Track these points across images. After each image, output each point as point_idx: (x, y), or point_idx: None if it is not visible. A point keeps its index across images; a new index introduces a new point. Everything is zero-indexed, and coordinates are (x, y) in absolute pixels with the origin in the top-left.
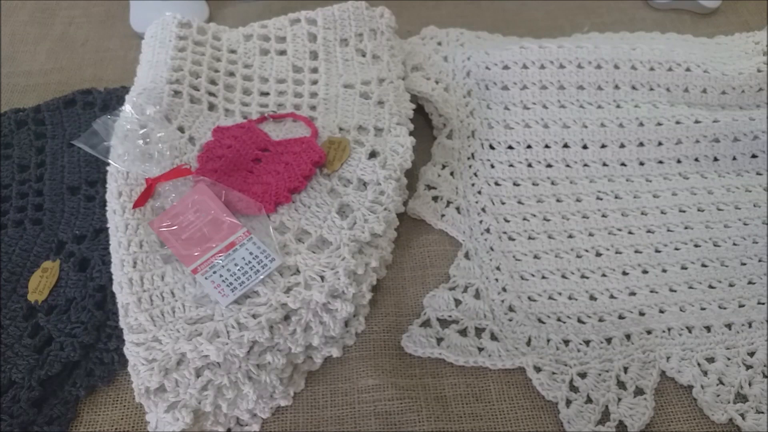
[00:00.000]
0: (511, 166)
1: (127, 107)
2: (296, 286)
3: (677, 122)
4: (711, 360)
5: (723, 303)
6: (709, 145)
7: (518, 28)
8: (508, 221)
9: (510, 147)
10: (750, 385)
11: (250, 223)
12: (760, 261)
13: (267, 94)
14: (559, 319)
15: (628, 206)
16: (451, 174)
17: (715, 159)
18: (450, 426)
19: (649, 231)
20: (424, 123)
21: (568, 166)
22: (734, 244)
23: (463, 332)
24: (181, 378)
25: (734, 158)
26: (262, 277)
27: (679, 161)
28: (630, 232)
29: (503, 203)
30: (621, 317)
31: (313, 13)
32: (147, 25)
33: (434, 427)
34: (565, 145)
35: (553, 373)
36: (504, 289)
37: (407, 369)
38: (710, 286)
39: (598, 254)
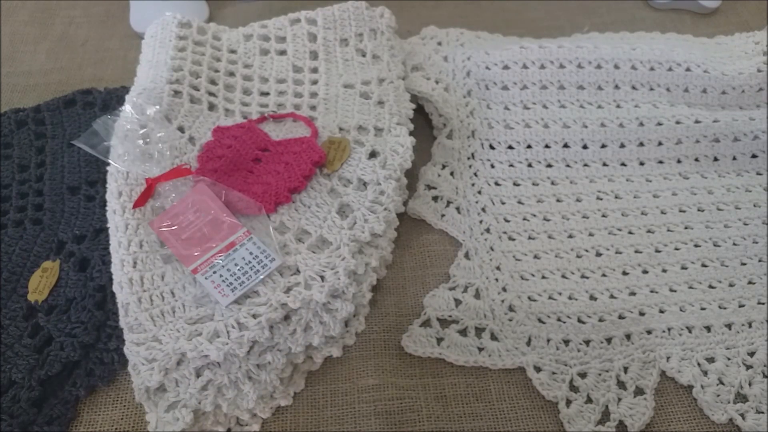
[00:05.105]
0: (511, 166)
1: (127, 107)
2: (296, 286)
3: (677, 122)
4: (711, 360)
5: (723, 303)
6: (709, 145)
7: (518, 28)
8: (508, 221)
9: (510, 147)
10: (750, 385)
11: (250, 223)
12: (760, 261)
13: (267, 94)
14: (559, 319)
15: (628, 206)
16: (451, 174)
17: (715, 159)
18: (450, 426)
19: (649, 231)
20: (424, 123)
21: (568, 166)
22: (734, 244)
23: (463, 332)
24: (181, 378)
25: (734, 158)
26: (262, 277)
27: (679, 161)
28: (630, 232)
29: (503, 203)
30: (621, 317)
31: (313, 13)
32: (147, 25)
33: (434, 427)
34: (566, 145)
35: (553, 373)
36: (504, 289)
37: (407, 369)
38: (710, 286)
39: (599, 254)
